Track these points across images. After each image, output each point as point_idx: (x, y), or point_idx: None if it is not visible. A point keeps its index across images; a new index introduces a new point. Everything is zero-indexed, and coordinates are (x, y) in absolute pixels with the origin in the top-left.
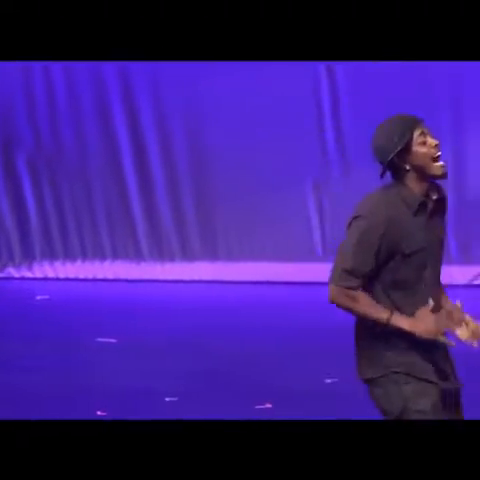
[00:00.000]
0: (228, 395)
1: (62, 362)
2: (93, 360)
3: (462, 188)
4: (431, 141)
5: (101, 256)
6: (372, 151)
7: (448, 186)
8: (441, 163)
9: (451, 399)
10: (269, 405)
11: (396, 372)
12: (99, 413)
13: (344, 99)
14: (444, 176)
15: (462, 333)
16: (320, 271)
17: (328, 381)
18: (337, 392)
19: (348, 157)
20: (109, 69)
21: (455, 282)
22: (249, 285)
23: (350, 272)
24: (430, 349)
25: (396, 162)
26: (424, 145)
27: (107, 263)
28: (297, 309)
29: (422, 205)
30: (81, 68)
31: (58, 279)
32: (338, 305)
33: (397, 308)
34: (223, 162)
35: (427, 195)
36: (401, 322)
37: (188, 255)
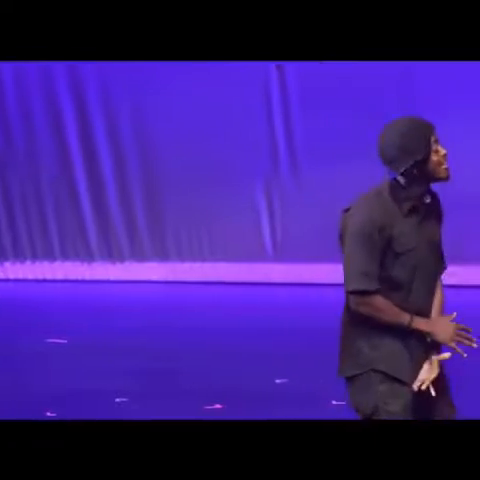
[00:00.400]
0: (178, 395)
1: (11, 363)
2: (43, 361)
3: None
4: (441, 149)
5: (51, 257)
6: (379, 152)
7: None
8: (446, 166)
9: (427, 400)
10: (219, 406)
11: (374, 371)
12: (49, 414)
13: (294, 98)
14: (448, 178)
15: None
16: (270, 271)
17: (278, 381)
18: (287, 392)
19: (298, 156)
20: (58, 69)
21: None
22: (199, 285)
23: (367, 275)
24: (414, 350)
25: (407, 169)
26: (436, 153)
27: (57, 264)
28: (247, 309)
29: (414, 208)
30: (31, 68)
31: (8, 280)
32: (363, 313)
33: None
34: (173, 162)
35: (420, 198)
36: (422, 325)
37: (138, 255)
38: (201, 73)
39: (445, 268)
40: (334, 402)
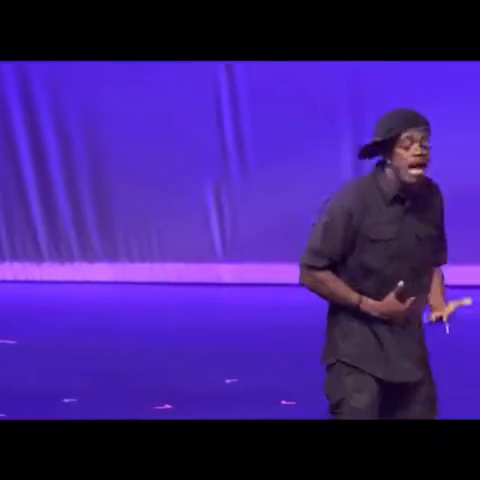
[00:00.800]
0: (127, 396)
1: None
2: None
3: None
4: (415, 149)
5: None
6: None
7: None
8: (416, 172)
9: (398, 395)
10: (168, 406)
11: (343, 362)
12: None
13: (243, 97)
14: (413, 184)
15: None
16: (220, 272)
17: (228, 381)
18: (237, 392)
19: (247, 155)
20: (6, 68)
21: None
22: (148, 286)
23: (317, 252)
24: (388, 344)
25: (381, 151)
26: (406, 150)
27: (6, 264)
28: (196, 310)
29: (397, 198)
30: None
31: None
32: (308, 287)
33: (369, 297)
34: (122, 162)
35: (406, 189)
36: (371, 305)
37: (88, 256)
38: (150, 73)
39: (442, 263)
40: (284, 402)
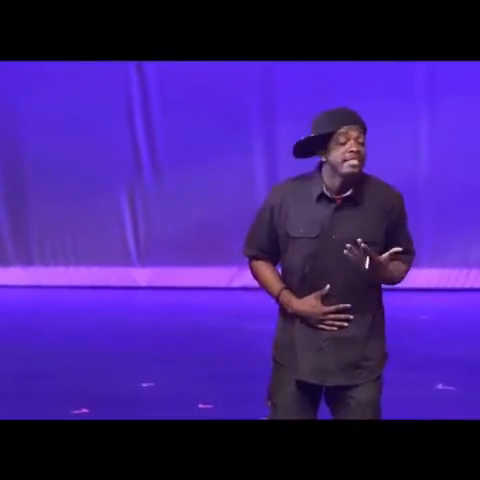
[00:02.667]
0: (42, 398)
1: None
2: None
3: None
4: (351, 144)
5: None
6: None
7: (258, 187)
8: (351, 162)
9: (314, 396)
10: (85, 410)
11: (274, 358)
12: None
13: (154, 100)
14: (351, 174)
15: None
16: (135, 275)
17: (144, 385)
18: (153, 396)
19: (159, 159)
20: None
21: None
22: (63, 289)
23: (248, 242)
24: (312, 345)
25: (317, 149)
26: (342, 146)
27: None
28: (112, 313)
29: (324, 197)
30: None
31: None
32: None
33: (295, 293)
34: (35, 166)
35: (340, 191)
36: (289, 300)
37: (2, 260)
38: (61, 74)
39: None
40: (201, 405)
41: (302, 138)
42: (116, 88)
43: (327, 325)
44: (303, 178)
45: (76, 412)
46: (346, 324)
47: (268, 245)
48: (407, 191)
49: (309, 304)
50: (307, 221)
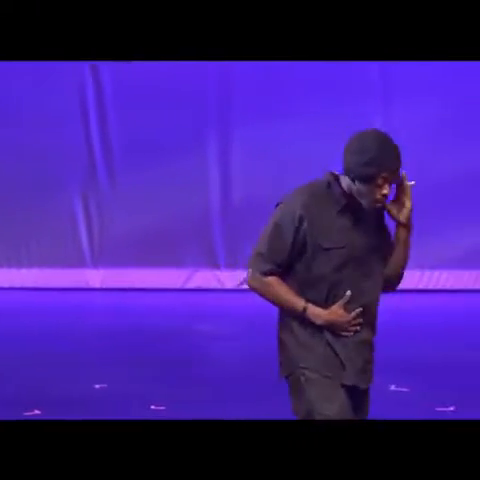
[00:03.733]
0: None
1: None
2: None
3: (228, 192)
4: (385, 188)
5: None
6: (344, 153)
7: (212, 190)
8: (379, 204)
9: (357, 399)
10: (38, 411)
11: (303, 368)
12: None
13: (109, 100)
14: (367, 209)
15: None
16: (88, 277)
17: (97, 386)
18: (106, 397)
19: (114, 161)
20: None
21: (223, 287)
22: (17, 291)
23: (264, 257)
24: (341, 349)
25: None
26: (376, 188)
27: None
28: (65, 315)
29: (348, 206)
30: None
31: None
32: (254, 290)
33: (315, 304)
34: None
35: (355, 200)
36: (316, 313)
37: None
38: (13, 75)
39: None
40: (153, 407)
41: (344, 174)
42: (71, 89)
43: (349, 331)
44: (320, 188)
45: (28, 413)
46: (359, 328)
47: (287, 259)
48: None
49: (336, 313)
50: (335, 231)
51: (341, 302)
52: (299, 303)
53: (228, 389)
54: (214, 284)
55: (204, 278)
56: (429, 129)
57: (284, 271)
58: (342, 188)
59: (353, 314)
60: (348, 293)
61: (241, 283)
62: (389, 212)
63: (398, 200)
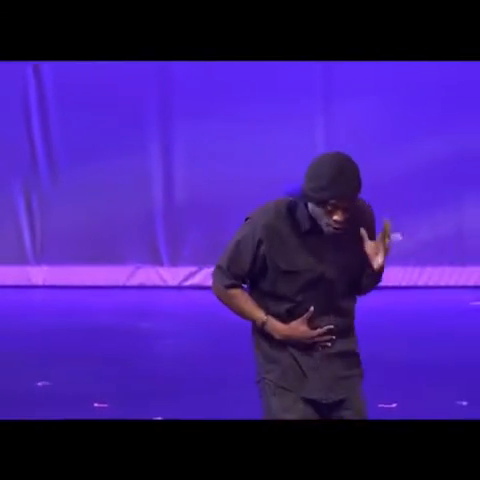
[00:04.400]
0: None
1: None
2: None
3: (171, 189)
4: (338, 215)
5: None
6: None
7: (155, 188)
8: (333, 230)
9: (324, 412)
10: None
11: (267, 379)
12: None
13: (51, 97)
14: (331, 234)
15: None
16: (30, 274)
17: (40, 384)
18: (49, 395)
19: (55, 156)
20: None
21: (166, 284)
22: None
23: (224, 271)
24: (306, 362)
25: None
26: (329, 214)
27: None
28: (6, 312)
29: (315, 226)
30: None
31: None
32: (218, 299)
33: (279, 318)
34: None
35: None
36: (276, 328)
37: None
38: None
39: (368, 285)
40: (96, 404)
41: (293, 191)
42: (12, 88)
43: (315, 346)
44: (286, 207)
45: None
46: (330, 344)
47: (247, 275)
48: None
49: (298, 330)
50: (298, 253)
51: (303, 318)
52: (259, 316)
53: (171, 386)
54: (157, 281)
55: (147, 275)
56: (370, 128)
57: (250, 284)
58: (308, 209)
59: (319, 330)
60: (311, 309)
61: (184, 280)
62: (365, 251)
63: (377, 246)
